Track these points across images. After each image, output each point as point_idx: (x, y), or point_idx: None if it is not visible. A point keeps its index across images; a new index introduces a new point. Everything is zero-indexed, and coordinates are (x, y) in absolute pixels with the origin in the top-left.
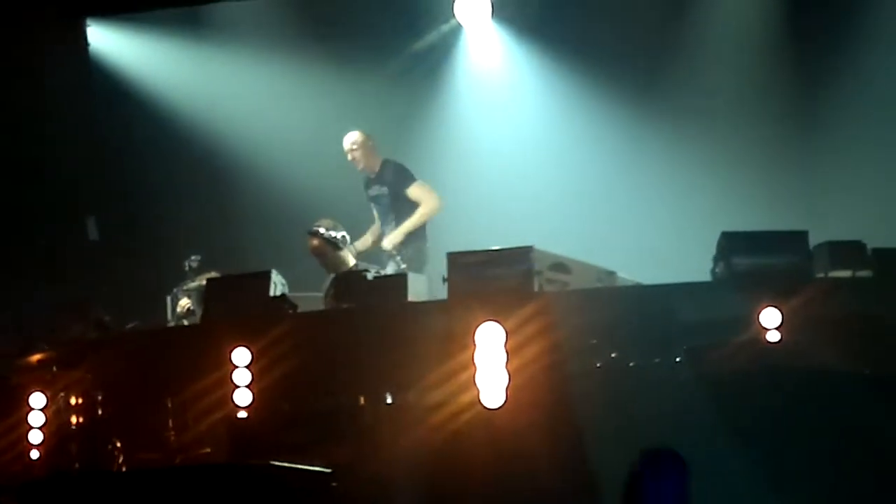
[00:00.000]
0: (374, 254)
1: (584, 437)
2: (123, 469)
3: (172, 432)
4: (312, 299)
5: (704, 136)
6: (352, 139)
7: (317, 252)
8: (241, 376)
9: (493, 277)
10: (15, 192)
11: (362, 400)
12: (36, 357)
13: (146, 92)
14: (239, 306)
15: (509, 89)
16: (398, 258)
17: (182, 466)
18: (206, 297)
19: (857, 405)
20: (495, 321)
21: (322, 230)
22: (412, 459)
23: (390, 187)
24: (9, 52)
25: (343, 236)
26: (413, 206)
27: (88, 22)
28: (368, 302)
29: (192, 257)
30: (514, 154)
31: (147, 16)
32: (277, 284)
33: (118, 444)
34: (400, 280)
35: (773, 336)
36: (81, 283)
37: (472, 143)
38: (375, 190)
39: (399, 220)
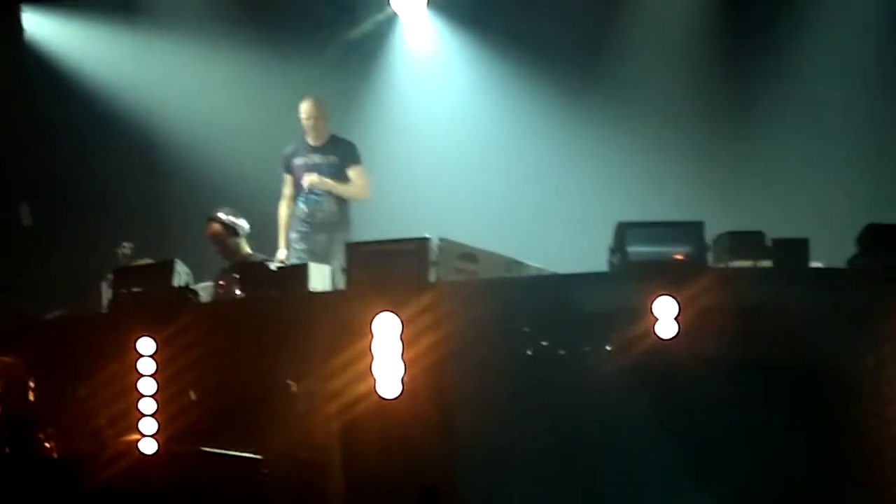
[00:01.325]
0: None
1: (479, 425)
2: (54, 456)
3: (94, 420)
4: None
5: (632, 127)
6: (316, 105)
7: (215, 238)
8: (146, 365)
9: (390, 267)
10: None
11: (264, 388)
12: None
13: (81, 79)
14: (143, 296)
15: (443, 78)
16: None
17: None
18: (112, 286)
19: (752, 394)
20: (392, 311)
21: (222, 215)
22: (316, 445)
23: (340, 159)
24: None
25: (242, 225)
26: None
27: (23, 7)
28: (270, 291)
29: (125, 244)
30: (445, 144)
31: (83, 1)
32: (182, 274)
33: (48, 432)
34: (301, 270)
35: (669, 325)
36: (13, 270)
37: (404, 132)
38: (318, 158)
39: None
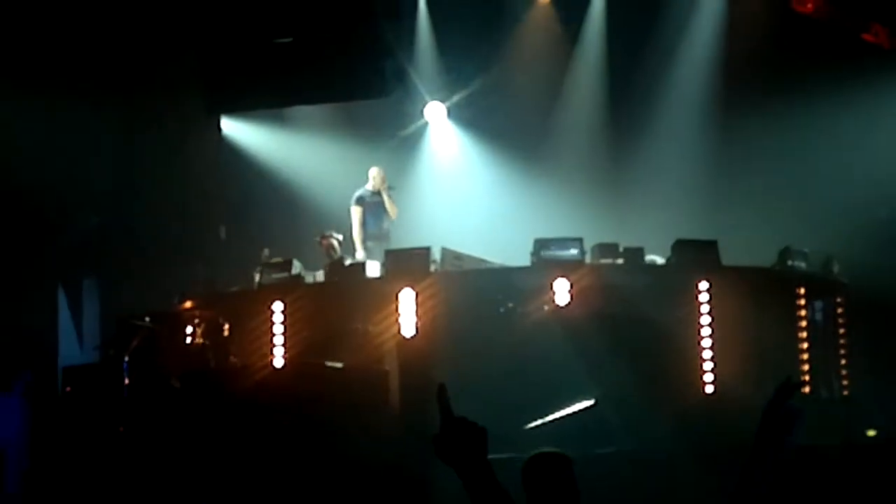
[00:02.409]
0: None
1: (458, 354)
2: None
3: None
4: None
5: (555, 176)
6: (380, 171)
7: (327, 247)
8: (278, 318)
9: (408, 263)
10: None
11: (345, 330)
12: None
13: (257, 160)
14: (278, 279)
15: (455, 157)
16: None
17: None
18: (260, 273)
19: (610, 335)
20: (410, 287)
21: (330, 233)
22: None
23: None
24: None
25: (339, 237)
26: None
27: (222, 117)
28: (348, 277)
29: (265, 249)
30: (452, 189)
31: (256, 114)
32: (297, 267)
33: (234, 354)
34: (363, 265)
35: (564, 296)
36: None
37: (438, 187)
38: (377, 198)
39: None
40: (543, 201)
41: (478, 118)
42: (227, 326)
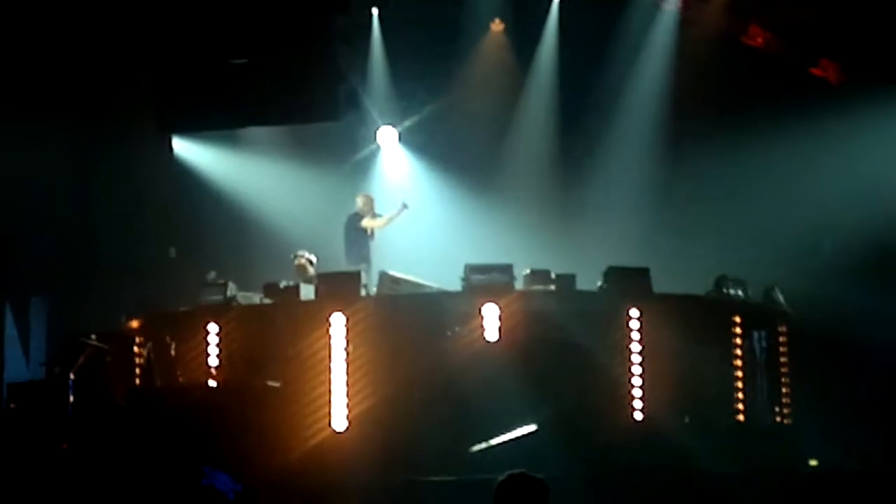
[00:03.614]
0: None
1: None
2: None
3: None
4: None
5: (515, 202)
6: (367, 196)
7: (299, 267)
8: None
9: (340, 286)
10: None
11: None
12: None
13: (207, 180)
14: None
15: (409, 182)
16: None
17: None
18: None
19: (539, 357)
20: (340, 311)
21: (303, 253)
22: None
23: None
24: None
25: (312, 258)
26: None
27: (173, 137)
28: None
29: (211, 272)
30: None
31: (208, 135)
32: (231, 288)
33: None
34: (294, 288)
35: (494, 321)
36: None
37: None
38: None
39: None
40: (492, 228)
41: (429, 143)
42: (173, 345)
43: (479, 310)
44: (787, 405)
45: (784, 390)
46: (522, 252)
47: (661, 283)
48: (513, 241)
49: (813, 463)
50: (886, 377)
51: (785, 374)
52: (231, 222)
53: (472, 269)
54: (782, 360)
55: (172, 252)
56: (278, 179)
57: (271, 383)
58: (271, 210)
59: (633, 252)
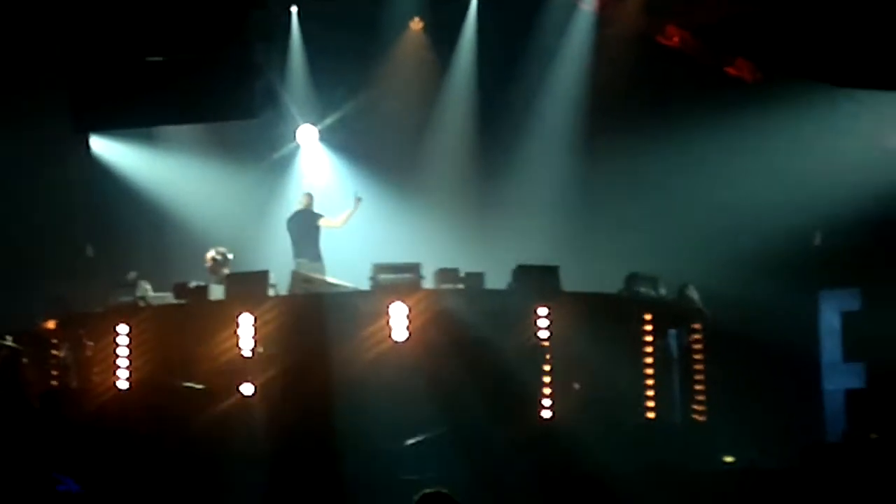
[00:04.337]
0: None
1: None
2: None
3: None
4: None
5: (434, 201)
6: (308, 195)
7: (213, 265)
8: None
9: (248, 287)
10: None
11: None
12: None
13: (125, 176)
14: None
15: (329, 181)
16: None
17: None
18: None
19: (443, 355)
20: (248, 312)
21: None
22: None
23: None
24: None
25: (228, 256)
26: None
27: (91, 135)
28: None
29: (131, 272)
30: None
31: (125, 133)
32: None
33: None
34: (204, 288)
35: (402, 320)
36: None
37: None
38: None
39: None
40: (410, 226)
41: (349, 142)
42: (89, 346)
43: (387, 309)
44: (701, 402)
45: (698, 388)
46: (439, 251)
47: (578, 282)
48: (431, 240)
49: (728, 460)
50: (798, 376)
51: (700, 372)
52: (150, 221)
53: (379, 269)
54: (696, 357)
55: (90, 251)
56: (198, 177)
57: (193, 385)
58: (190, 208)
59: (549, 250)
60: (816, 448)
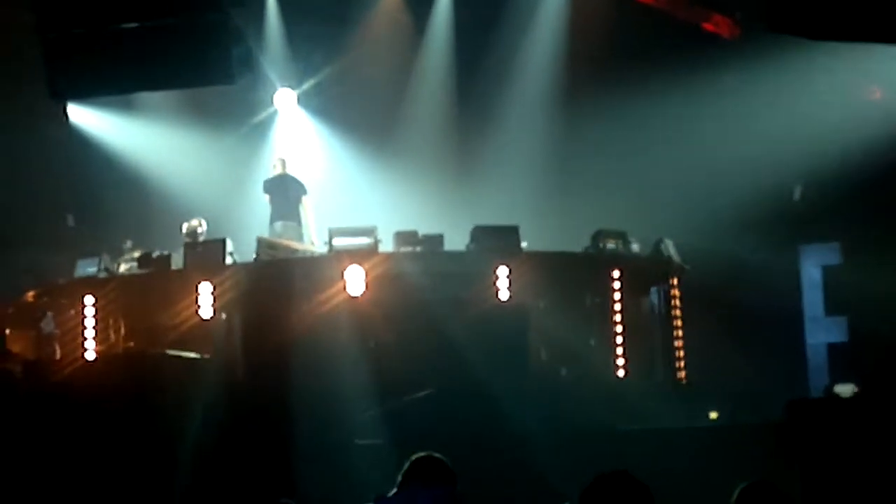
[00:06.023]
0: None
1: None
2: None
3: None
4: None
5: (412, 164)
6: (283, 159)
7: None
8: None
9: (207, 255)
10: None
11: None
12: None
13: (103, 143)
14: None
15: (308, 145)
16: None
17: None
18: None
19: (399, 314)
20: (207, 280)
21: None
22: None
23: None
24: None
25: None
26: None
27: (68, 104)
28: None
29: (128, 241)
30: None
31: (103, 101)
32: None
33: None
34: (167, 257)
35: (357, 283)
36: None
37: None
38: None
39: None
40: (387, 190)
41: (327, 106)
42: (70, 316)
43: (342, 273)
44: (681, 359)
45: (678, 344)
46: (413, 214)
47: (555, 243)
48: (406, 204)
49: (713, 416)
50: (780, 331)
51: (678, 328)
52: (130, 189)
53: (335, 232)
54: (675, 313)
55: (70, 220)
56: (177, 144)
57: (187, 354)
58: (170, 176)
59: (524, 212)
60: (802, 403)
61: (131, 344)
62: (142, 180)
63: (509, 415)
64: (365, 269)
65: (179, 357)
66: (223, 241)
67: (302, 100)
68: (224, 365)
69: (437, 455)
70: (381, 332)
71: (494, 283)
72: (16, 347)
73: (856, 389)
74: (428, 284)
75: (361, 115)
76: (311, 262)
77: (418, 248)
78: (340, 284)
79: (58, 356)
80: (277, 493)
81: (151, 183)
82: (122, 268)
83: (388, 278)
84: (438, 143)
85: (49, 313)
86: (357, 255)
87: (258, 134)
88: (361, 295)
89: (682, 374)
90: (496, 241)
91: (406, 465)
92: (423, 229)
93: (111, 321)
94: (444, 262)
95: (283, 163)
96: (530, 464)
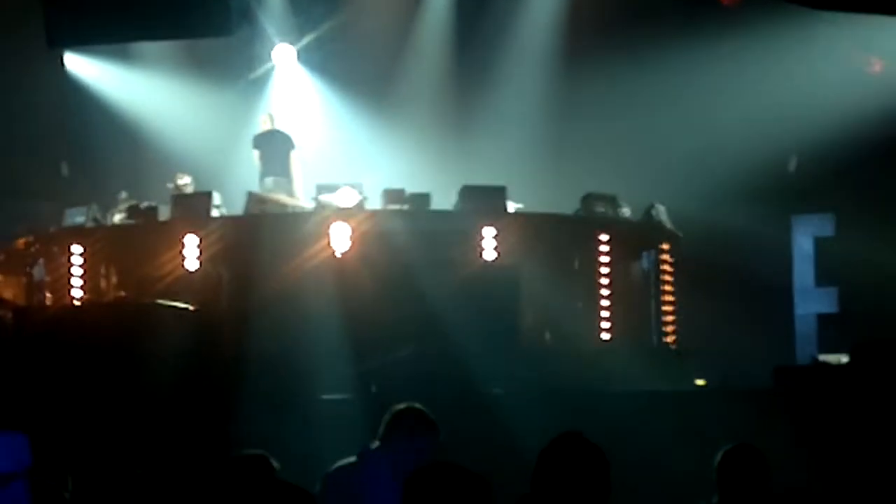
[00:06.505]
0: None
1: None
2: None
3: None
4: None
5: (412, 122)
6: (271, 115)
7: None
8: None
9: (194, 208)
10: None
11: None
12: None
13: (100, 94)
14: None
15: (307, 101)
16: None
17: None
18: None
19: (386, 271)
20: (192, 233)
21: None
22: None
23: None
24: None
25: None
26: None
27: (65, 52)
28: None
29: (122, 192)
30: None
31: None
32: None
33: None
34: (154, 209)
35: (344, 240)
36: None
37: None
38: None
39: None
40: (387, 148)
41: (327, 61)
42: (63, 264)
43: (327, 229)
44: (671, 324)
45: (668, 309)
46: (406, 172)
47: (547, 205)
48: (403, 162)
49: (700, 383)
50: (770, 300)
51: (668, 293)
52: (125, 140)
53: (321, 188)
54: (665, 278)
55: (65, 169)
56: (174, 96)
57: (177, 305)
58: (167, 127)
59: (521, 174)
60: (789, 369)
61: (122, 293)
62: (138, 132)
63: (493, 376)
64: (351, 225)
65: (172, 307)
66: (209, 194)
67: (301, 55)
68: (209, 317)
69: (418, 406)
70: (365, 290)
71: (480, 244)
72: (7, 294)
73: (842, 360)
74: (413, 243)
75: (361, 71)
76: (297, 217)
77: (405, 207)
78: (325, 241)
79: (48, 303)
80: (239, 444)
81: (147, 135)
82: (116, 218)
83: (373, 235)
84: (436, 100)
85: (41, 260)
86: (343, 212)
87: (256, 89)
88: (346, 251)
89: (671, 339)
90: (483, 201)
91: (388, 417)
92: (418, 188)
93: (101, 270)
94: (430, 221)
95: (272, 118)
96: (510, 424)
